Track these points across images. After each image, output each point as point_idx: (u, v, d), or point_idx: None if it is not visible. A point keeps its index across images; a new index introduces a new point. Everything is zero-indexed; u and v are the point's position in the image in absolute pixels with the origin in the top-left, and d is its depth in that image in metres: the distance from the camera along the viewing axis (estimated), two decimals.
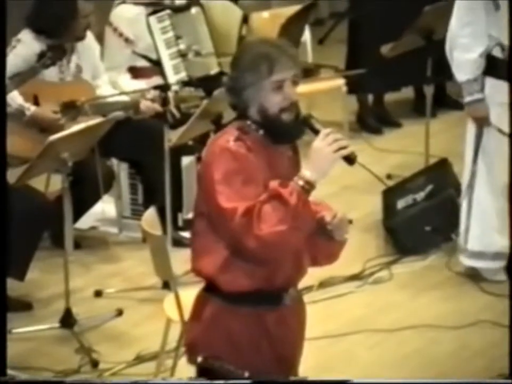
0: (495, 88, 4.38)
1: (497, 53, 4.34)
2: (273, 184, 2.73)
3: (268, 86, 2.77)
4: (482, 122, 4.41)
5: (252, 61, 2.78)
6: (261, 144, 2.79)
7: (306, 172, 2.72)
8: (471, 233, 4.54)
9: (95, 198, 4.83)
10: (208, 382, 2.87)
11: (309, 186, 2.70)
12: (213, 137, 2.85)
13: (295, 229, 2.69)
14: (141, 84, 4.98)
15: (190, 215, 5.10)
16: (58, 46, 4.48)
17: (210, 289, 2.86)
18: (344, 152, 2.72)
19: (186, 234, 5.02)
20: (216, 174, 2.71)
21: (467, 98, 4.41)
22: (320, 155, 2.71)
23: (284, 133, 2.80)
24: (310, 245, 2.84)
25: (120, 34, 5.01)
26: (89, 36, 4.79)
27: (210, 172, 2.73)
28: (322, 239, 2.86)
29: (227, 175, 2.71)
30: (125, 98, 4.80)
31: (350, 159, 2.75)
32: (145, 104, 4.68)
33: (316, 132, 2.78)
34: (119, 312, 4.39)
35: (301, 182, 2.70)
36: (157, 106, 4.68)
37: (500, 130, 4.36)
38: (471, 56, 4.32)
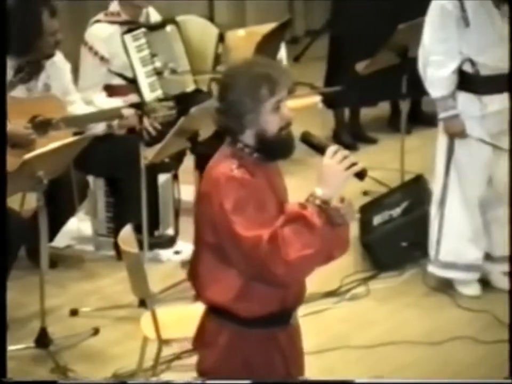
0: (466, 102, 4.42)
1: (467, 68, 4.38)
2: (293, 207, 2.71)
3: (268, 108, 2.74)
4: (458, 136, 4.44)
5: (251, 83, 2.72)
6: (257, 165, 2.78)
7: (320, 190, 2.70)
8: (443, 245, 4.56)
9: (70, 213, 4.81)
10: (206, 382, 2.86)
11: (326, 205, 2.70)
12: (210, 167, 2.80)
13: (321, 250, 2.69)
14: (117, 101, 4.97)
15: (167, 232, 5.10)
16: (35, 61, 4.47)
17: (223, 315, 2.83)
18: (356, 168, 2.72)
19: (163, 251, 5.03)
20: (227, 203, 2.68)
21: (442, 114, 4.44)
22: (332, 173, 2.70)
23: (281, 150, 2.78)
24: (327, 244, 2.78)
25: (96, 53, 5.00)
26: (59, 54, 4.79)
27: (219, 201, 2.69)
28: (334, 231, 2.79)
29: (238, 204, 2.68)
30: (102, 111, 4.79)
31: (361, 175, 2.75)
32: (128, 111, 4.66)
33: (317, 149, 2.77)
34: (96, 331, 4.36)
35: (317, 202, 2.69)
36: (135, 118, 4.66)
37: (482, 140, 4.39)
38: (445, 73, 4.36)
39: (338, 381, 3.54)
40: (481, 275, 4.64)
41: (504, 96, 4.42)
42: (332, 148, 2.73)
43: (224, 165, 2.75)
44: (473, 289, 4.62)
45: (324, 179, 2.71)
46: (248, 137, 2.77)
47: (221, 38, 5.37)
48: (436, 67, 4.35)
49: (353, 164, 2.71)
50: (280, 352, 2.86)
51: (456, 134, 4.43)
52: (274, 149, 2.77)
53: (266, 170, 2.81)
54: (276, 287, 2.76)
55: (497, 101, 4.41)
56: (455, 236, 4.53)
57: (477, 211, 4.52)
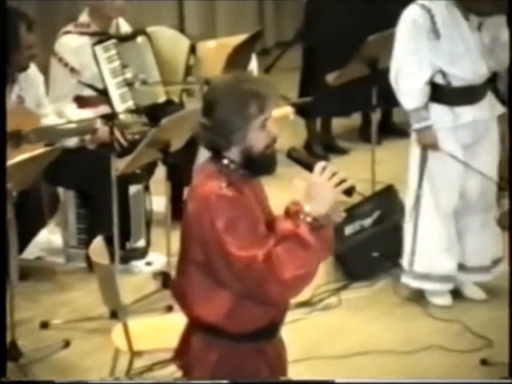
0: (439, 114, 4.44)
1: (439, 79, 4.41)
2: (286, 225, 2.70)
3: (256, 125, 2.71)
4: (430, 148, 4.46)
5: (240, 101, 2.68)
6: (243, 181, 2.76)
7: (309, 208, 2.69)
8: (417, 256, 4.57)
9: (41, 225, 4.78)
10: (205, 382, 2.85)
11: (317, 222, 2.69)
12: (196, 185, 2.77)
13: (316, 268, 2.69)
14: (88, 113, 4.95)
15: (139, 244, 5.08)
16: (10, 74, 4.44)
17: (211, 333, 2.81)
18: (346, 185, 2.71)
19: (135, 263, 5.01)
20: (218, 223, 2.66)
21: (415, 126, 4.46)
22: (321, 190, 2.69)
23: (266, 166, 2.77)
24: (319, 259, 2.77)
25: (66, 64, 4.99)
26: (33, 67, 4.77)
27: (209, 220, 2.67)
28: (324, 242, 2.79)
29: (230, 223, 2.66)
30: (74, 125, 4.77)
31: (349, 192, 2.75)
32: (102, 127, 4.64)
33: (304, 165, 2.76)
34: (66, 343, 4.33)
35: (309, 219, 2.69)
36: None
37: (451, 155, 4.42)
38: (418, 84, 4.38)
39: (318, 381, 3.54)
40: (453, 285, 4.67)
41: (476, 108, 4.45)
42: (320, 165, 2.72)
43: (212, 184, 2.72)
44: (444, 299, 4.64)
45: (313, 196, 2.70)
46: (234, 153, 2.75)
47: (192, 50, 5.38)
48: (408, 79, 4.38)
49: (342, 181, 2.71)
50: (267, 365, 2.86)
51: (428, 145, 4.45)
52: (260, 165, 2.76)
53: (251, 185, 2.80)
54: (267, 306, 2.77)
55: (470, 112, 4.44)
56: (429, 247, 4.54)
57: (451, 222, 4.55)
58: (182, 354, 2.93)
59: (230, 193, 2.69)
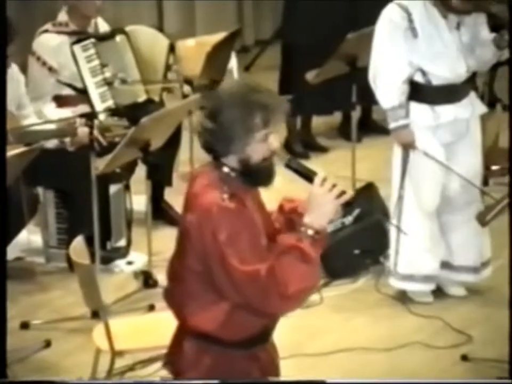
0: (419, 112, 4.45)
1: (419, 78, 4.42)
2: (288, 239, 2.70)
3: (257, 138, 2.70)
4: (408, 147, 4.47)
5: (246, 111, 2.67)
6: (244, 190, 2.76)
7: (311, 220, 2.69)
8: (401, 256, 4.58)
9: (20, 226, 4.76)
10: (195, 382, 2.85)
11: (319, 236, 2.70)
12: (196, 194, 2.73)
13: (317, 281, 2.72)
14: (67, 112, 4.93)
15: (119, 243, 5.06)
16: None
17: (205, 340, 2.81)
18: (346, 197, 2.72)
19: (117, 262, 4.99)
20: (220, 235, 2.65)
21: (392, 125, 4.46)
22: (322, 202, 2.70)
23: (262, 178, 2.76)
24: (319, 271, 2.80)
25: (44, 63, 4.96)
26: (13, 66, 4.74)
27: (211, 232, 2.66)
28: (320, 245, 2.79)
29: (232, 236, 2.65)
30: (52, 126, 4.75)
31: (348, 203, 2.76)
32: (82, 130, 4.61)
33: (303, 176, 2.77)
34: (47, 344, 4.32)
35: (310, 232, 2.69)
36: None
37: (426, 154, 4.43)
38: (395, 83, 4.38)
39: (309, 381, 3.55)
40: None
41: (457, 106, 4.46)
42: (320, 176, 2.72)
43: (214, 194, 2.70)
44: (426, 297, 4.65)
45: (314, 208, 2.70)
46: (231, 161, 2.74)
47: (172, 49, 5.36)
48: (386, 77, 4.38)
49: (342, 192, 2.72)
50: (260, 370, 2.87)
51: (405, 144, 4.46)
52: (256, 176, 2.75)
53: (250, 193, 2.80)
54: (265, 316, 2.78)
55: (450, 111, 4.45)
56: (412, 247, 4.54)
57: (434, 220, 4.55)
58: (173, 359, 2.93)
59: (232, 205, 2.68)
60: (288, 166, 2.80)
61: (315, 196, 2.70)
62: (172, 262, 2.88)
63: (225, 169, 2.75)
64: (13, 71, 4.72)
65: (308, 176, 2.77)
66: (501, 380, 3.73)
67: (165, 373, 4.02)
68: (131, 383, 3.76)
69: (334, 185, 2.71)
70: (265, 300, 2.66)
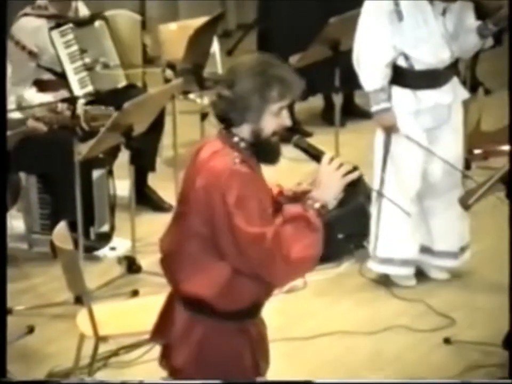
0: (401, 97, 4.45)
1: (401, 62, 4.42)
2: (295, 207, 2.75)
3: (272, 110, 2.77)
4: (390, 130, 4.48)
5: (265, 81, 2.74)
6: (252, 162, 2.80)
7: (318, 194, 2.78)
8: (380, 240, 4.59)
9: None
10: (195, 382, 2.85)
11: (324, 210, 2.77)
12: (206, 159, 2.77)
13: (319, 253, 2.76)
14: (48, 97, 4.90)
15: (103, 229, 5.05)
16: None
17: (197, 309, 2.82)
18: (352, 176, 2.80)
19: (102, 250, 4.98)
20: (229, 197, 2.69)
21: (374, 108, 4.47)
22: (329, 179, 2.79)
23: (272, 153, 2.82)
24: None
25: (23, 47, 4.93)
26: None
27: (221, 194, 2.70)
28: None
29: (241, 199, 2.69)
30: (18, 115, 4.68)
31: (354, 182, 2.83)
32: (31, 123, 4.55)
33: (311, 154, 2.83)
34: (30, 329, 4.31)
35: (317, 205, 2.76)
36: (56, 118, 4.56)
37: (408, 138, 4.44)
38: (377, 66, 4.39)
39: (297, 381, 3.58)
40: (416, 266, 4.70)
41: (439, 92, 4.47)
42: (328, 155, 2.81)
43: (225, 158, 2.75)
44: (408, 280, 4.67)
45: (322, 183, 2.78)
46: (244, 132, 2.79)
47: (143, 26, 5.29)
48: (369, 60, 4.38)
49: (349, 171, 2.79)
50: (250, 344, 2.89)
51: (387, 127, 4.47)
52: (265, 150, 2.80)
53: (258, 168, 2.84)
54: (265, 284, 2.78)
55: (432, 96, 4.45)
56: (392, 231, 4.56)
57: (414, 205, 4.56)
58: (162, 332, 2.93)
59: (244, 170, 2.73)
60: (296, 145, 2.86)
61: (323, 173, 2.79)
62: (168, 232, 2.90)
63: (236, 139, 2.79)
64: None
65: (316, 155, 2.84)
66: (501, 380, 3.75)
67: (148, 358, 4.03)
68: (134, 382, 3.75)
69: (341, 164, 2.79)
70: (268, 263, 2.69)
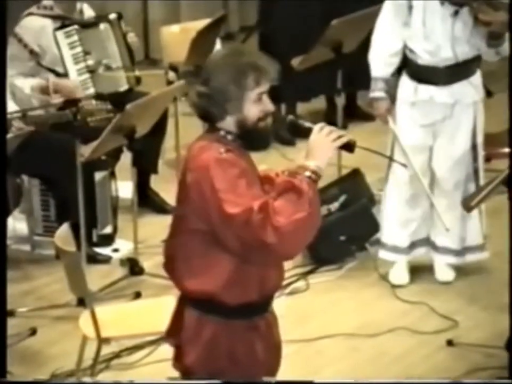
0: (406, 87, 4.52)
1: (408, 53, 4.48)
2: (282, 178, 2.78)
3: (251, 97, 2.78)
4: (380, 119, 4.61)
5: (238, 71, 2.76)
6: (241, 151, 2.82)
7: (309, 162, 2.76)
8: (382, 225, 4.70)
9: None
10: (198, 382, 2.86)
11: (316, 176, 2.76)
12: (193, 156, 2.79)
13: (310, 215, 2.72)
14: (38, 80, 4.88)
15: (105, 231, 5.05)
16: None
17: (205, 307, 2.83)
18: (344, 139, 2.80)
19: (101, 250, 4.98)
20: (218, 183, 2.70)
21: (370, 94, 4.58)
22: (320, 146, 2.78)
23: (259, 139, 2.82)
24: (314, 208, 2.81)
25: (25, 46, 4.93)
26: None
27: (209, 184, 2.71)
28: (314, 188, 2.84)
29: (230, 182, 2.71)
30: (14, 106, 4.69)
31: (349, 146, 2.82)
32: (17, 124, 4.55)
33: (305, 129, 2.84)
34: (33, 331, 4.31)
35: (307, 173, 2.75)
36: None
37: (393, 130, 4.52)
38: (381, 55, 4.49)
39: (297, 381, 3.58)
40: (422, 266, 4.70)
41: (438, 89, 4.47)
42: (318, 125, 2.81)
43: (210, 151, 2.76)
44: (402, 279, 4.67)
45: (312, 152, 2.78)
46: (229, 124, 2.80)
47: (119, 17, 5.20)
48: (376, 48, 4.50)
49: (340, 136, 2.79)
50: (260, 340, 2.89)
51: (377, 115, 4.62)
52: (252, 137, 2.81)
53: (247, 157, 2.85)
54: (265, 264, 2.78)
55: (427, 91, 4.48)
56: (387, 216, 4.65)
57: (408, 190, 4.58)
58: (174, 333, 2.94)
59: (229, 157, 2.74)
60: (290, 122, 2.91)
61: (314, 141, 2.79)
62: (169, 235, 2.90)
63: (221, 133, 2.81)
64: None
65: (309, 128, 2.84)
66: (501, 380, 3.75)
67: (151, 360, 4.03)
68: (139, 383, 3.75)
69: (331, 131, 2.79)
70: (260, 237, 2.67)
